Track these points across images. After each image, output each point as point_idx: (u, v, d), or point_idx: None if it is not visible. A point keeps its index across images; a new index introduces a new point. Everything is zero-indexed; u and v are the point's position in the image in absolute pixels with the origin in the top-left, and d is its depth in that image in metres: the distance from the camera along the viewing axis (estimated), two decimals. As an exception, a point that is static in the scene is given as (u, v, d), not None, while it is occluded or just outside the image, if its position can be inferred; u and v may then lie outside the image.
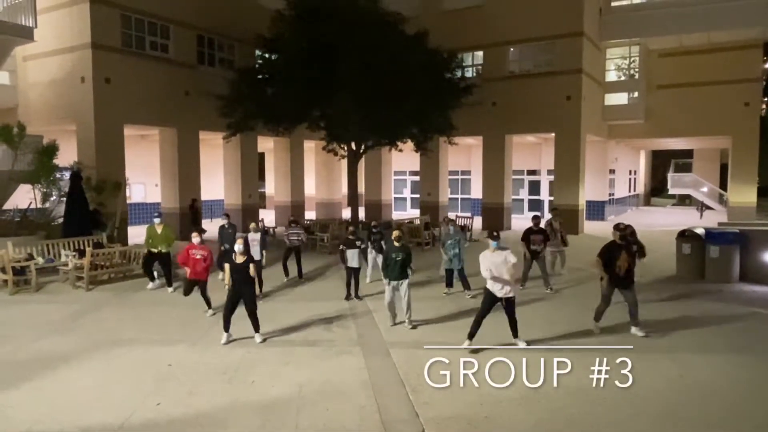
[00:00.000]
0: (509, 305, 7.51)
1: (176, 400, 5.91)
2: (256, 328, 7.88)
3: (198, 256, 9.03)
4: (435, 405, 5.75)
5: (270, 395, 6.05)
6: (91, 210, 14.77)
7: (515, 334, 7.59)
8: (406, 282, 8.48)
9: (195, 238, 9.25)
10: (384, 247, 10.88)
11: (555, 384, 6.29)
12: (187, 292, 9.31)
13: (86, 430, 5.28)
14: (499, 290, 7.38)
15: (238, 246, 7.85)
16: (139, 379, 6.49)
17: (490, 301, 7.47)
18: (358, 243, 10.27)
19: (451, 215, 17.97)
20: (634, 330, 8.01)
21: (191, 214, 18.60)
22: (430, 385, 6.25)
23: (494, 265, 7.33)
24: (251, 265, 7.83)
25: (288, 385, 6.31)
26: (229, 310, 7.79)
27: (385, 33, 16.95)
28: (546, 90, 20.73)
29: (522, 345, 7.47)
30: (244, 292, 7.84)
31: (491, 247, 7.49)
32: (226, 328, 7.78)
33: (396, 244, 8.53)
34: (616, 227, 8.30)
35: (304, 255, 12.68)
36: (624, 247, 7.99)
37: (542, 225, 11.43)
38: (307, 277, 12.52)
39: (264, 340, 7.84)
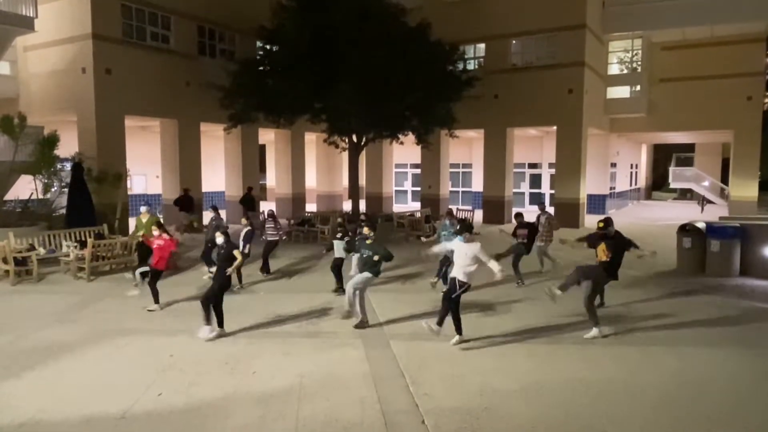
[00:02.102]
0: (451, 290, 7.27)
1: (178, 390, 5.94)
2: (208, 321, 7.67)
3: (154, 246, 9.19)
4: (435, 396, 5.78)
5: (271, 386, 6.08)
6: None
7: (458, 331, 7.33)
8: (365, 277, 8.09)
9: (155, 231, 9.31)
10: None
11: (554, 376, 6.34)
12: (150, 283, 9.21)
13: (89, 420, 5.31)
14: (461, 276, 7.24)
15: (219, 239, 7.95)
16: (140, 369, 6.52)
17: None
18: (338, 236, 10.34)
19: (452, 208, 17.86)
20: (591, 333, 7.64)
21: (247, 201, 19.06)
22: (429, 376, 6.30)
23: (463, 256, 7.24)
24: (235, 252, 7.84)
25: (289, 375, 6.34)
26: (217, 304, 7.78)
27: (387, 25, 16.90)
28: (548, 83, 20.67)
29: (454, 340, 7.27)
30: (215, 281, 7.87)
31: (463, 238, 7.36)
32: (220, 323, 7.78)
33: (368, 241, 8.26)
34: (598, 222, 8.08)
35: (305, 248, 12.67)
36: (602, 238, 7.86)
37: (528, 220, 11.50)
38: (307, 270, 12.57)
39: (216, 337, 7.58)
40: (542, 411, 5.48)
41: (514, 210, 23.53)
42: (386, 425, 5.17)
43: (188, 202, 17.88)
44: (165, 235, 9.27)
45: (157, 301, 9.14)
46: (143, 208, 11.76)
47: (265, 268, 11.83)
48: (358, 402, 5.65)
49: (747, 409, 5.62)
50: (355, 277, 8.33)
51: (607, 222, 7.98)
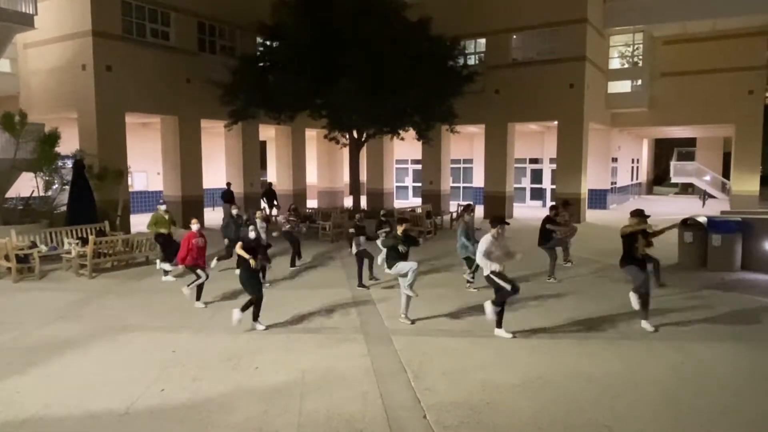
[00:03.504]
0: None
1: (180, 386, 5.96)
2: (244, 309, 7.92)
3: (201, 244, 9.27)
4: (437, 391, 5.79)
5: (274, 381, 6.09)
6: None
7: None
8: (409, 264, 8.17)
9: (194, 225, 9.43)
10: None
11: (556, 371, 6.35)
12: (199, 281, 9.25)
13: (92, 415, 5.33)
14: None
15: (252, 233, 8.26)
16: (143, 366, 6.54)
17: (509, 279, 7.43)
18: (366, 233, 10.37)
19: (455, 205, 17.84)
20: (643, 324, 7.77)
21: (268, 196, 20.31)
22: (431, 371, 6.31)
23: (499, 253, 7.33)
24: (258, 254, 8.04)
25: (291, 371, 6.35)
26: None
27: (388, 20, 16.86)
28: (549, 78, 20.62)
29: (507, 336, 7.45)
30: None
31: (496, 231, 7.41)
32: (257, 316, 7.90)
33: (400, 235, 8.29)
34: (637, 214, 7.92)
35: (306, 244, 12.71)
36: (640, 232, 7.79)
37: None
38: (309, 265, 12.59)
39: (239, 321, 7.77)
40: (544, 405, 5.49)
41: (515, 205, 23.67)
42: (388, 420, 5.19)
43: (231, 195, 19.04)
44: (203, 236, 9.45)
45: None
46: (162, 207, 11.87)
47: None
48: (360, 397, 5.66)
49: (747, 403, 5.62)
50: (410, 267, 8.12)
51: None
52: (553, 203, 11.81)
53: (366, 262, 10.41)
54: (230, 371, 6.40)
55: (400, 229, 8.38)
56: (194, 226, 9.43)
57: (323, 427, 5.07)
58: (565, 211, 11.93)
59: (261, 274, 10.79)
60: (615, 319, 8.09)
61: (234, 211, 12.03)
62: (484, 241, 7.41)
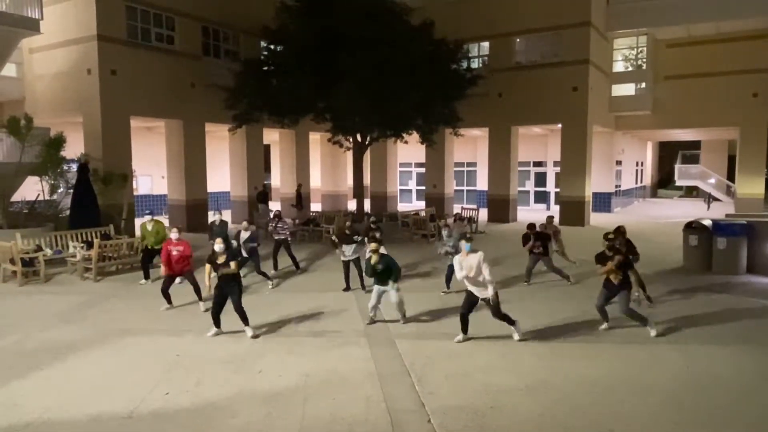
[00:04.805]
0: (492, 309, 7.37)
1: (184, 390, 5.97)
2: (245, 323, 7.79)
3: (174, 253, 9.03)
4: (440, 395, 5.78)
5: (277, 385, 6.09)
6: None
7: (512, 325, 7.55)
8: (392, 287, 8.12)
9: (173, 234, 9.22)
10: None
11: (560, 374, 6.33)
12: (163, 287, 9.15)
13: (95, 419, 5.34)
14: (477, 292, 7.33)
15: (218, 246, 7.68)
16: (147, 369, 6.55)
17: (470, 301, 7.42)
18: (355, 238, 10.31)
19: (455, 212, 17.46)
20: (651, 332, 7.67)
21: (297, 197, 21.52)
22: (435, 375, 6.30)
23: (469, 268, 7.23)
24: (233, 263, 7.62)
25: (294, 374, 6.35)
26: (216, 310, 7.72)
27: (391, 24, 16.89)
28: (552, 81, 20.59)
29: (516, 337, 7.46)
30: (231, 292, 7.65)
31: (464, 250, 7.31)
32: (216, 324, 7.76)
33: (374, 255, 8.06)
34: (605, 236, 8.03)
35: (310, 247, 12.69)
36: (611, 258, 7.55)
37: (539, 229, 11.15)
38: (312, 269, 12.59)
39: (256, 336, 7.71)
40: (547, 409, 5.47)
41: (519, 208, 23.64)
42: (392, 424, 5.18)
43: (264, 196, 20.39)
44: (180, 244, 9.11)
45: (200, 297, 9.15)
46: (147, 216, 11.74)
47: (274, 266, 12.05)
48: (363, 401, 5.65)
49: (751, 406, 5.59)
50: (393, 298, 8.14)
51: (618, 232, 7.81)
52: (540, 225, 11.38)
53: (356, 271, 10.40)
54: (233, 374, 6.40)
55: (373, 248, 8.19)
56: (173, 234, 9.20)
57: (326, 431, 5.07)
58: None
59: (266, 276, 10.89)
60: (618, 322, 8.06)
61: (217, 217, 11.93)
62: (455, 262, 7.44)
